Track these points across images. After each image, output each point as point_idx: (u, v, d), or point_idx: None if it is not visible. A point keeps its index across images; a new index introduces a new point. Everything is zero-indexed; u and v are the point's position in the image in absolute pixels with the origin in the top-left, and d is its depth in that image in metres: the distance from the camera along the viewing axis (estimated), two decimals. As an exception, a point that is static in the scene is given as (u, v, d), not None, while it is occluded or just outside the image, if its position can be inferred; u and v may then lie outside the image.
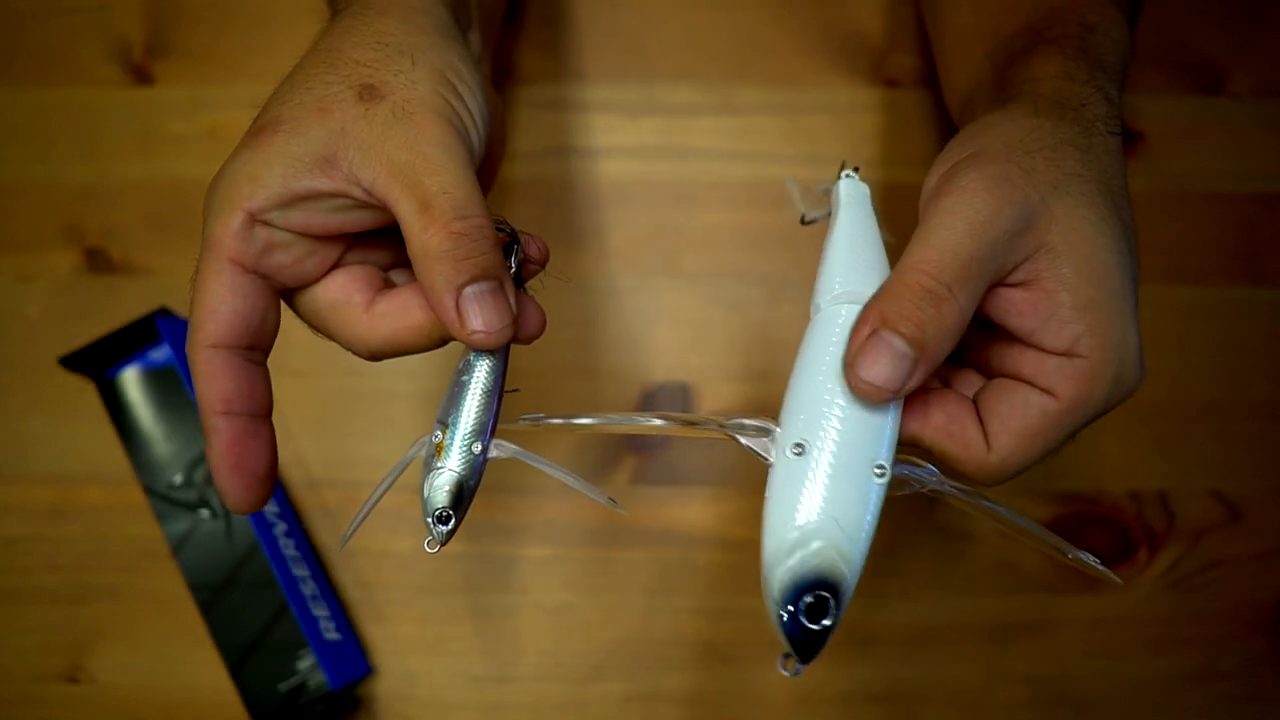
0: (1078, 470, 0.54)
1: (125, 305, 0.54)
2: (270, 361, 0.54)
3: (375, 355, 0.32)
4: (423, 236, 0.28)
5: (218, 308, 0.29)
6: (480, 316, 0.29)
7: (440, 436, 0.31)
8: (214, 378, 0.30)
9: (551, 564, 0.53)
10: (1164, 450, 0.54)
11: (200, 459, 0.51)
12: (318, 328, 0.33)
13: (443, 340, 0.31)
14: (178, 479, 0.51)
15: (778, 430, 0.29)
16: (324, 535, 0.53)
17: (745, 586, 0.53)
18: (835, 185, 0.36)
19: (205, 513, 0.51)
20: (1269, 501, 0.54)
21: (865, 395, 0.28)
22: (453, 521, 0.31)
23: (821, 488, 0.28)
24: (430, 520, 0.31)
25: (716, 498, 0.53)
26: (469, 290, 0.29)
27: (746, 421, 0.30)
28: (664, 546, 0.53)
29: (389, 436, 0.54)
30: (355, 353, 0.32)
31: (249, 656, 0.49)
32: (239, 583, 0.50)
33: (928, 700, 0.52)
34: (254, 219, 0.29)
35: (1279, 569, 0.53)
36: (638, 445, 0.54)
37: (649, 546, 0.53)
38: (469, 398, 0.31)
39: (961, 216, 0.28)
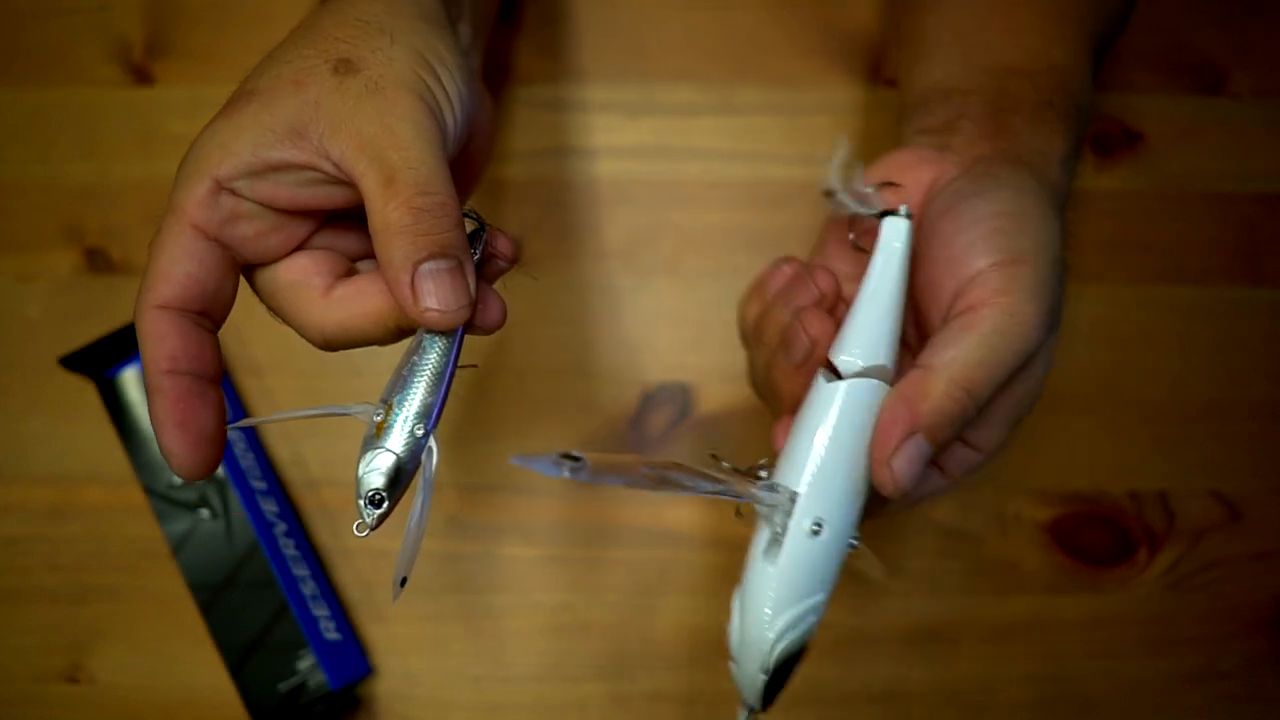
0: (1078, 470, 0.54)
1: (125, 305, 0.54)
2: (270, 361, 0.55)
3: (330, 343, 0.31)
4: (384, 210, 0.28)
5: (171, 270, 0.29)
6: (436, 295, 0.28)
7: (382, 415, 0.30)
8: (161, 338, 0.29)
9: (551, 564, 0.53)
10: (1164, 450, 0.54)
11: (200, 459, 0.51)
12: (274, 308, 0.32)
13: (400, 331, 0.31)
14: (178, 479, 0.51)
15: (786, 496, 0.30)
16: (324, 535, 0.53)
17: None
18: (891, 221, 0.35)
19: (205, 513, 0.51)
20: (1269, 501, 0.54)
21: (886, 487, 0.30)
22: (385, 504, 0.30)
23: (833, 568, 0.31)
24: (362, 502, 0.30)
25: (716, 498, 0.53)
26: (426, 267, 0.28)
27: (757, 490, 0.31)
28: (663, 546, 0.53)
29: (389, 436, 0.54)
30: (310, 339, 0.31)
31: (249, 656, 0.49)
32: (239, 583, 0.50)
33: (928, 700, 0.52)
34: (220, 186, 0.29)
35: (1279, 569, 0.53)
36: (638, 445, 0.54)
37: (648, 546, 0.53)
38: (418, 379, 0.30)
39: (1013, 345, 0.31)
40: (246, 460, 0.51)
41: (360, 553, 0.53)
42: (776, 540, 0.30)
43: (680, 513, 0.53)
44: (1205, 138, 0.57)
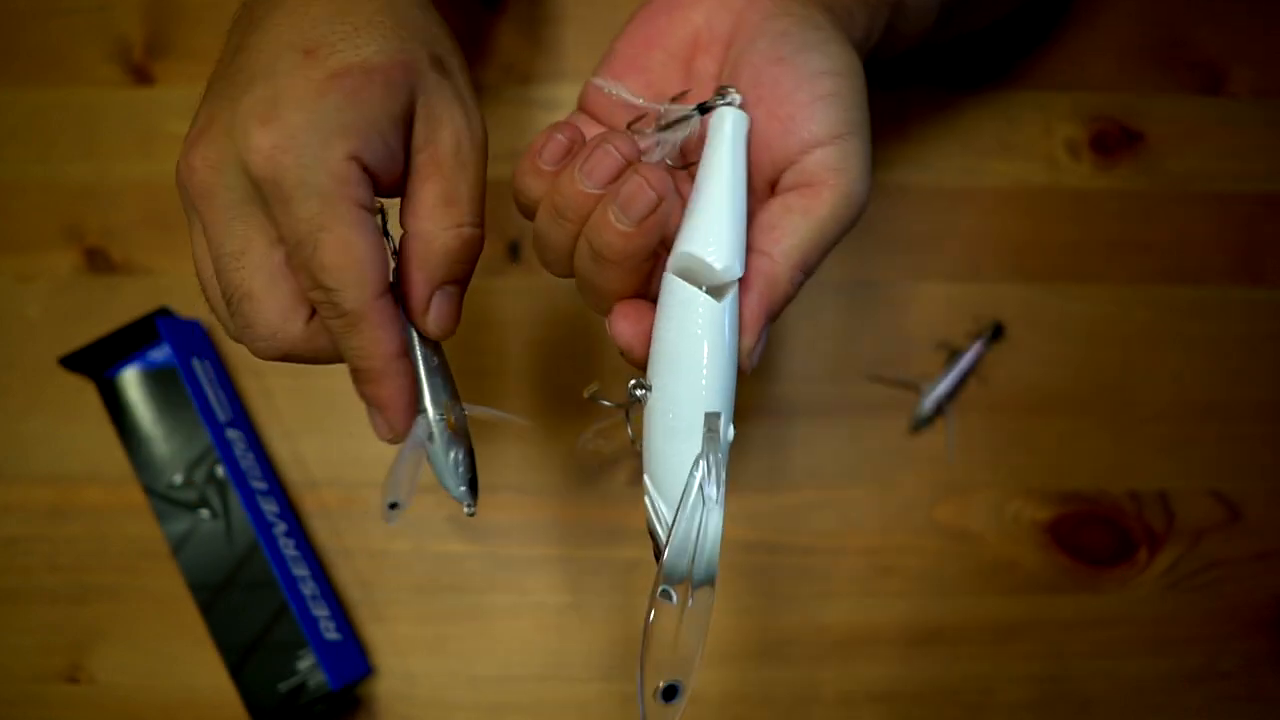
0: (1078, 470, 0.54)
1: (125, 305, 0.54)
2: (269, 362, 0.54)
3: (281, 347, 0.31)
4: (435, 225, 0.31)
5: (377, 256, 0.29)
6: (442, 314, 0.32)
7: (444, 415, 0.34)
8: (393, 323, 0.30)
9: (551, 564, 0.53)
10: (1164, 450, 0.54)
11: (200, 459, 0.51)
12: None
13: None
14: (178, 479, 0.51)
15: (712, 410, 0.31)
16: (324, 535, 0.53)
17: (745, 586, 0.53)
18: (719, 112, 0.33)
19: (205, 513, 0.51)
20: (1269, 501, 0.54)
21: (745, 371, 0.32)
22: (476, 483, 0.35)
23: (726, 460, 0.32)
24: (466, 488, 0.34)
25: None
26: (446, 289, 0.32)
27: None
28: (664, 546, 0.53)
29: (389, 436, 0.54)
30: (259, 336, 0.31)
31: (249, 656, 0.49)
32: (239, 583, 0.50)
33: (928, 700, 0.52)
34: (362, 167, 0.29)
35: (1279, 569, 0.53)
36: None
37: (648, 547, 0.53)
38: (445, 377, 0.34)
39: (845, 224, 0.33)
40: (246, 460, 0.51)
41: (360, 553, 0.53)
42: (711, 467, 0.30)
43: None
44: (1205, 138, 0.57)
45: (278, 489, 0.52)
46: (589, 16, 0.57)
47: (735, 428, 0.31)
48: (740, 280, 0.31)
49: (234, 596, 0.50)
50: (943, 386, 0.53)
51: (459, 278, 0.32)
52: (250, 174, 0.28)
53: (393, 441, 0.33)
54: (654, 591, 0.30)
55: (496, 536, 0.53)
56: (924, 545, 0.53)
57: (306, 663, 0.49)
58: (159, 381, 0.52)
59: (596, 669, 0.52)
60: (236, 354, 0.54)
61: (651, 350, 0.32)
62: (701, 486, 0.30)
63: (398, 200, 0.32)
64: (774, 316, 0.33)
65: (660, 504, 0.32)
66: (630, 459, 0.54)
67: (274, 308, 0.30)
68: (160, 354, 0.52)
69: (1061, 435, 0.54)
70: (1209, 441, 0.54)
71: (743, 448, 0.54)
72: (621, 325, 0.32)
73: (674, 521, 0.30)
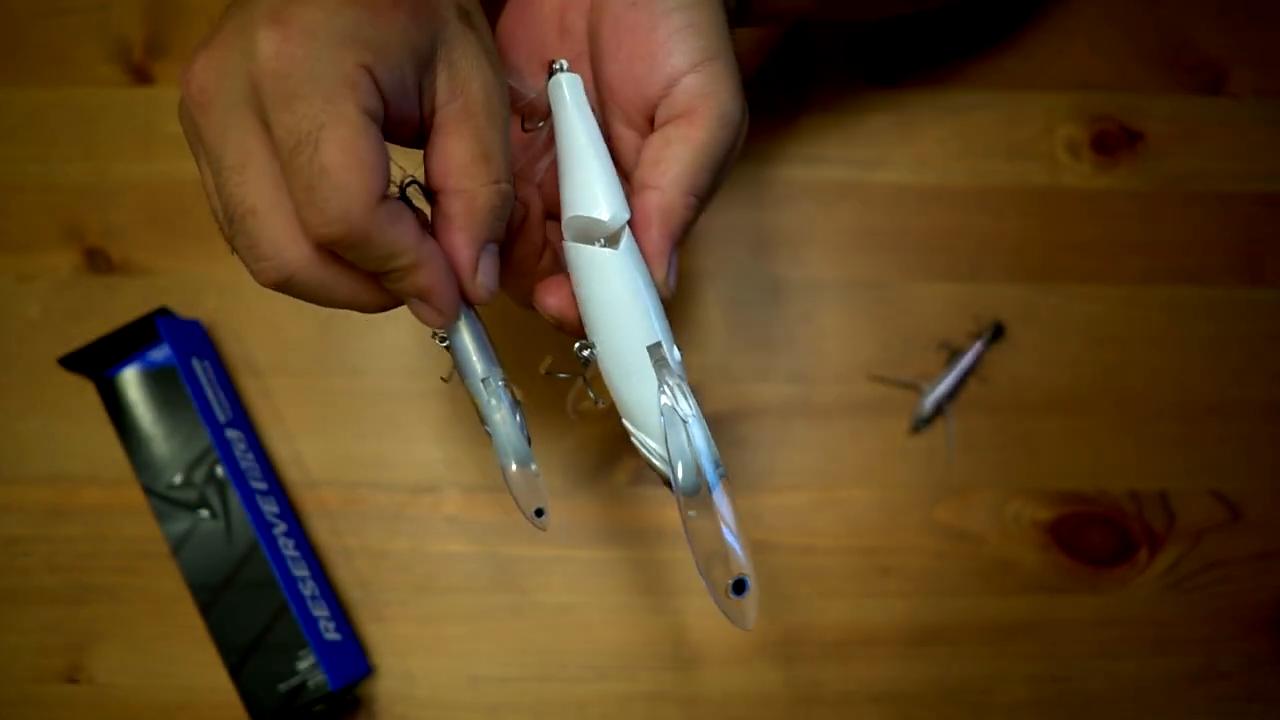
0: (1078, 470, 0.54)
1: (125, 305, 0.54)
2: (269, 362, 0.55)
3: (285, 270, 0.29)
4: (473, 183, 0.30)
5: (376, 160, 0.27)
6: (488, 274, 0.32)
7: (503, 385, 0.34)
8: (403, 216, 0.29)
9: (551, 564, 0.53)
10: (1164, 450, 0.54)
11: (200, 459, 0.51)
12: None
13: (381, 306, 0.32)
14: (177, 479, 0.51)
15: (673, 360, 0.33)
16: (324, 535, 0.53)
17: (745, 586, 0.53)
18: (553, 81, 0.35)
19: (205, 513, 0.51)
20: (1269, 501, 0.54)
21: (664, 295, 0.34)
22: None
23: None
24: (535, 465, 0.35)
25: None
26: (490, 246, 0.31)
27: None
28: (664, 546, 0.53)
29: (389, 436, 0.54)
30: (262, 255, 0.29)
31: (249, 656, 0.49)
32: (239, 583, 0.50)
33: (928, 700, 0.52)
34: (373, 78, 0.27)
35: (1279, 569, 0.53)
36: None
37: (649, 546, 0.53)
38: (489, 347, 0.34)
39: (725, 143, 0.34)
40: (246, 460, 0.51)
41: (360, 553, 0.53)
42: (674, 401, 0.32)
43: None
44: (1205, 138, 0.57)
45: (278, 489, 0.52)
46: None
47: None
48: (637, 217, 0.33)
49: (234, 596, 0.50)
50: (943, 386, 0.53)
51: (500, 235, 0.32)
52: (255, 73, 0.27)
53: (445, 325, 0.32)
54: (683, 517, 0.32)
55: (496, 536, 0.53)
56: (924, 545, 0.53)
57: (306, 663, 0.49)
58: (159, 381, 0.52)
59: (596, 669, 0.52)
60: (236, 354, 0.54)
61: (581, 312, 0.33)
62: (675, 409, 0.32)
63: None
64: (679, 241, 0.34)
65: (648, 440, 0.33)
66: (632, 458, 0.54)
67: (279, 224, 0.28)
68: (160, 354, 0.52)
69: (1061, 435, 0.54)
70: (1209, 441, 0.54)
71: (743, 447, 0.54)
72: (547, 301, 0.34)
73: (668, 455, 0.32)
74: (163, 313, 0.53)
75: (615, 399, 0.34)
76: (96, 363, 0.51)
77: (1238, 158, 0.56)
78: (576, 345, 0.33)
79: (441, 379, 0.35)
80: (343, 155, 0.26)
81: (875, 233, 0.56)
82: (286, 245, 0.28)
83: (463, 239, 0.31)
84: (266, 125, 0.27)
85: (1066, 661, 0.52)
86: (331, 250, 0.28)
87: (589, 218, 0.32)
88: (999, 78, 0.57)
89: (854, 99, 0.57)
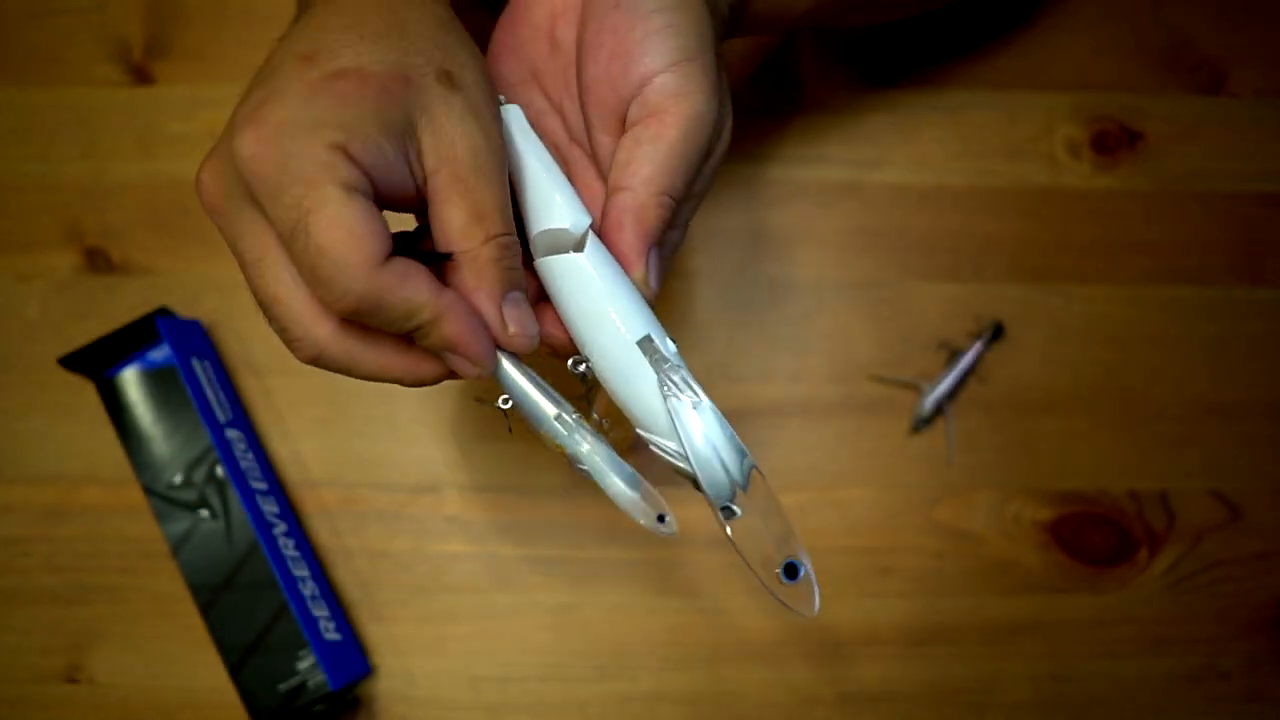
0: (1078, 470, 0.54)
1: (125, 305, 0.54)
2: (269, 362, 0.55)
3: (312, 350, 0.31)
4: (472, 243, 0.30)
5: (367, 228, 0.28)
6: (519, 322, 0.32)
7: (578, 418, 0.33)
8: (414, 275, 0.29)
9: (551, 564, 0.53)
10: (1164, 450, 0.54)
11: (200, 459, 0.51)
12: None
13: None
14: (177, 479, 0.51)
15: (667, 352, 0.33)
16: (324, 535, 0.53)
17: (745, 587, 0.53)
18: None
19: (205, 513, 0.51)
20: (1269, 501, 0.54)
21: (648, 297, 0.34)
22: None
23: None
24: (638, 477, 0.34)
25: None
26: (512, 295, 0.32)
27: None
28: (664, 546, 0.53)
29: (389, 436, 0.54)
30: (294, 338, 0.31)
31: (249, 656, 0.49)
32: (239, 583, 0.50)
33: (928, 700, 0.52)
34: (349, 157, 0.28)
35: (1279, 569, 0.53)
36: (638, 445, 0.54)
37: (649, 546, 0.53)
38: (547, 386, 0.33)
39: (699, 144, 0.34)
40: (246, 460, 0.51)
41: (360, 553, 0.53)
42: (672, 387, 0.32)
43: (680, 513, 0.53)
44: (1205, 138, 0.57)
45: (278, 489, 0.52)
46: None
47: (713, 401, 0.32)
48: (610, 219, 0.33)
49: (234, 596, 0.50)
50: (943, 386, 0.53)
51: (515, 283, 0.32)
52: (242, 175, 0.28)
53: (484, 374, 0.31)
54: (717, 516, 0.32)
55: (496, 536, 0.53)
56: (924, 545, 0.53)
57: (306, 663, 0.49)
58: (159, 381, 0.51)
59: (596, 669, 0.52)
60: (236, 354, 0.54)
61: (569, 329, 0.34)
62: (680, 400, 0.32)
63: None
64: (655, 241, 0.34)
65: (664, 442, 0.33)
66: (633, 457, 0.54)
67: (302, 307, 0.30)
68: (160, 354, 0.52)
69: (1061, 435, 0.54)
70: (1209, 441, 0.54)
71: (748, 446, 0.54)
72: (550, 330, 0.34)
73: (685, 451, 0.32)
74: (163, 313, 0.53)
75: (622, 408, 0.33)
76: (96, 363, 0.51)
77: (1238, 158, 0.56)
78: (570, 361, 0.33)
79: (509, 430, 0.35)
80: (333, 233, 0.27)
81: (875, 233, 0.56)
82: (312, 325, 0.30)
83: (481, 297, 0.31)
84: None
85: (1067, 661, 0.52)
86: (359, 321, 0.30)
87: (551, 229, 0.32)
88: (999, 78, 0.57)
89: (853, 99, 0.57)
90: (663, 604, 0.52)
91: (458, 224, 0.30)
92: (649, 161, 0.33)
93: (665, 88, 0.34)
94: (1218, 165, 0.56)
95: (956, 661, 0.52)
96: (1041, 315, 0.55)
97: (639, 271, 0.33)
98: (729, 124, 0.37)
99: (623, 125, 0.35)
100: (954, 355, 0.54)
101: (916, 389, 0.54)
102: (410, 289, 0.29)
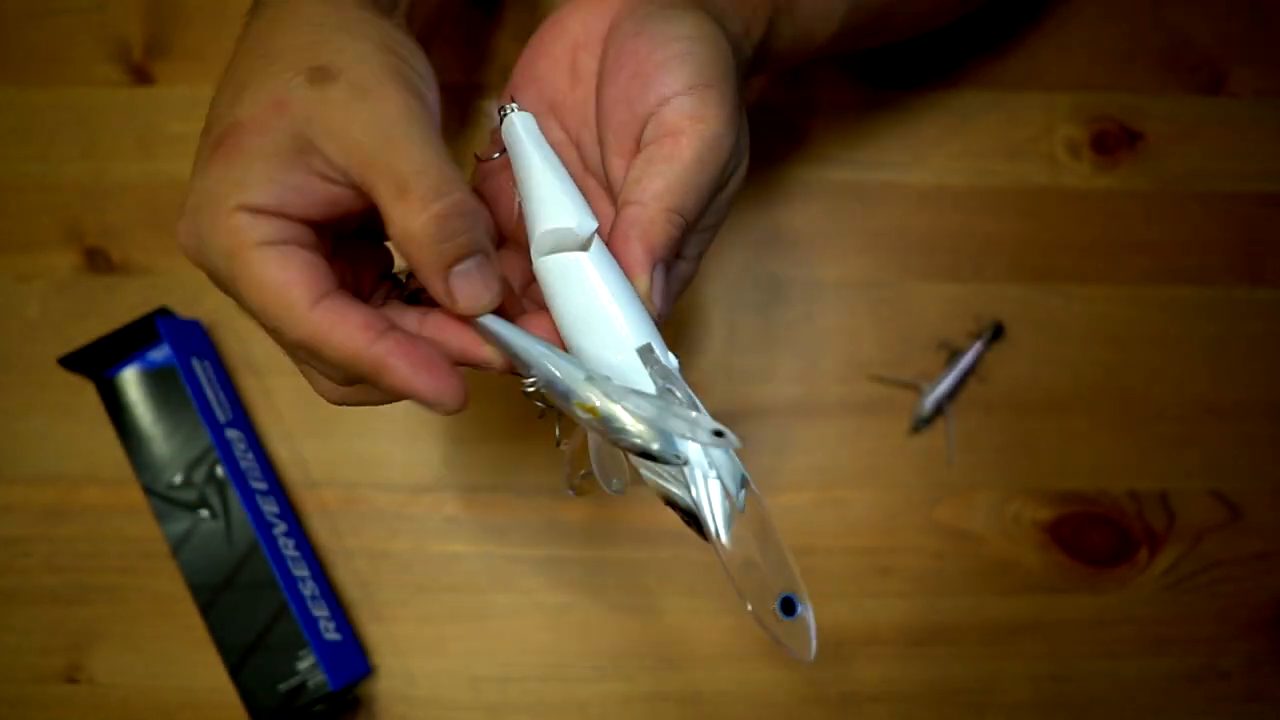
0: (1078, 470, 0.54)
1: (125, 305, 0.53)
2: (269, 362, 0.54)
3: (341, 398, 0.32)
4: (404, 221, 0.28)
5: (287, 276, 0.28)
6: (470, 294, 0.30)
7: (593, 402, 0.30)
8: (342, 319, 0.28)
9: (551, 564, 0.53)
10: (1164, 450, 0.54)
11: (200, 459, 0.51)
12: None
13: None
14: (177, 479, 0.51)
15: (663, 359, 0.32)
16: (324, 535, 0.53)
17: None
18: (506, 122, 0.35)
19: (205, 513, 0.51)
20: (1269, 501, 0.54)
21: (652, 315, 0.33)
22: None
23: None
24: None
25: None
26: (458, 269, 0.29)
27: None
28: (664, 546, 0.53)
29: (389, 436, 0.54)
30: (317, 389, 0.32)
31: (249, 656, 0.49)
32: (239, 583, 0.50)
33: (928, 700, 0.52)
34: (256, 211, 0.28)
35: (1279, 569, 0.53)
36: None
37: (649, 546, 0.53)
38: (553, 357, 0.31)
39: (713, 168, 0.33)
40: (246, 460, 0.51)
41: (360, 553, 0.53)
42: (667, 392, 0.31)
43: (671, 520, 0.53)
44: (1205, 138, 0.57)
45: (278, 489, 0.52)
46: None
47: (729, 427, 0.30)
48: (616, 232, 0.33)
49: (234, 596, 0.50)
50: (943, 386, 0.53)
51: (461, 253, 0.29)
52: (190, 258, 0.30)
53: (451, 412, 0.29)
54: (712, 538, 0.30)
55: (496, 536, 0.53)
56: (924, 545, 0.53)
57: (306, 663, 0.49)
58: (159, 381, 0.51)
59: (596, 669, 0.52)
60: (236, 354, 0.54)
61: (562, 336, 0.32)
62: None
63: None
64: (662, 257, 0.33)
65: (657, 466, 0.31)
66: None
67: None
68: (160, 354, 0.52)
69: (1061, 435, 0.54)
70: (1209, 441, 0.54)
71: (743, 448, 0.54)
72: (541, 337, 0.33)
73: (684, 476, 0.30)
74: (163, 313, 0.53)
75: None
76: (96, 363, 0.51)
77: (1238, 158, 0.56)
78: (526, 382, 0.31)
79: (539, 415, 0.33)
80: (256, 292, 0.28)
81: (875, 233, 0.56)
82: (316, 378, 0.32)
83: (425, 275, 0.29)
84: None
85: (1067, 661, 0.52)
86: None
87: (555, 229, 0.32)
88: (999, 78, 0.57)
89: (854, 99, 0.57)
90: (662, 604, 0.52)
91: (385, 205, 0.28)
92: (660, 178, 0.33)
93: (682, 108, 0.33)
94: (1218, 165, 0.56)
95: (956, 661, 0.52)
96: (1041, 315, 0.55)
97: (643, 282, 0.33)
98: (746, 161, 0.37)
99: (637, 148, 0.34)
100: (954, 355, 0.54)
101: (916, 389, 0.54)
102: (341, 334, 0.28)
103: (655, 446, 0.29)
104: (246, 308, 0.29)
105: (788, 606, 0.29)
